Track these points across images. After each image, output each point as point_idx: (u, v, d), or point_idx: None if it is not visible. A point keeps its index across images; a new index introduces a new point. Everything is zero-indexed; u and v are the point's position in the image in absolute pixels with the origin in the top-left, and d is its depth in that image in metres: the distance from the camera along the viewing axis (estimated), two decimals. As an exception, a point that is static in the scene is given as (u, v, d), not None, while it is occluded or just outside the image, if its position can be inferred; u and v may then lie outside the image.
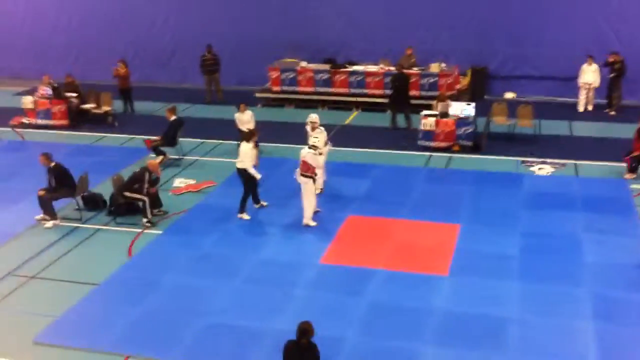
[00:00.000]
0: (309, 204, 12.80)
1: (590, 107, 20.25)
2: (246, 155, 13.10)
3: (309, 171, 12.53)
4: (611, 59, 19.51)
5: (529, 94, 21.73)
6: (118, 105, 20.91)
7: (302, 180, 12.64)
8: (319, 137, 13.20)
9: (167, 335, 9.62)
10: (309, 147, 12.65)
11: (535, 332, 9.45)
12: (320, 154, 13.00)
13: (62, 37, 25.83)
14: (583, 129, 18.75)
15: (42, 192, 13.27)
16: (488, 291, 10.51)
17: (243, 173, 13.22)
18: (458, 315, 9.91)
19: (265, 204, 13.82)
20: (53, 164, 13.34)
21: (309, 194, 12.71)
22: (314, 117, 14.17)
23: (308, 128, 14.27)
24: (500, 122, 18.03)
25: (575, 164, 15.93)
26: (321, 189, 14.05)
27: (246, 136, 13.55)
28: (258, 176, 13.22)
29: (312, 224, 12.89)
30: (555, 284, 10.69)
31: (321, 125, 14.17)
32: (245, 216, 13.32)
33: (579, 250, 11.76)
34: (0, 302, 10.68)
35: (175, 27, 24.65)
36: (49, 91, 19.78)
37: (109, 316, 10.14)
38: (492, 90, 22.18)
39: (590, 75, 19.79)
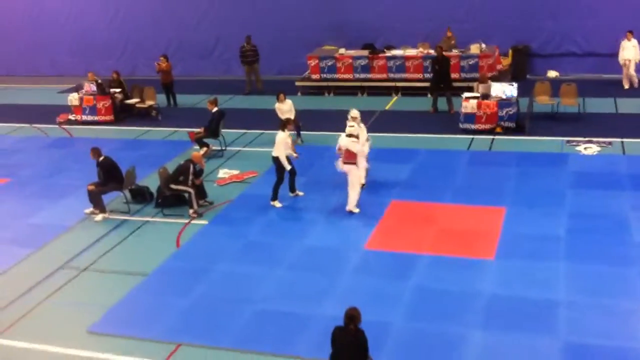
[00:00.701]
0: (354, 190, 12.84)
1: (635, 84, 19.80)
2: (279, 144, 13.23)
3: (352, 158, 12.58)
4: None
5: (572, 72, 21.34)
6: (161, 99, 21.21)
7: (346, 167, 12.69)
8: (357, 130, 12.76)
9: (216, 322, 9.79)
10: (347, 136, 12.64)
11: (585, 314, 9.34)
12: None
13: (106, 34, 26.31)
14: (629, 106, 18.36)
15: (91, 187, 13.59)
16: (535, 274, 10.41)
17: (276, 161, 13.36)
18: (505, 298, 9.85)
19: (300, 193, 13.88)
20: (102, 157, 13.65)
21: (355, 180, 12.76)
22: (355, 113, 13.67)
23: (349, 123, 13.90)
24: (543, 101, 17.75)
25: (622, 142, 15.62)
26: (363, 183, 13.85)
27: (280, 125, 13.66)
28: (288, 167, 13.28)
29: (356, 210, 12.93)
30: (604, 264, 10.53)
31: (362, 111, 14.13)
32: (277, 204, 13.45)
33: (628, 229, 11.55)
34: (54, 294, 11.01)
35: (216, 20, 24.88)
36: (94, 88, 20.17)
37: (159, 305, 10.36)
38: (534, 70, 21.86)
39: (630, 50, 19.34)
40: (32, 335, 9.89)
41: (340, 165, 12.83)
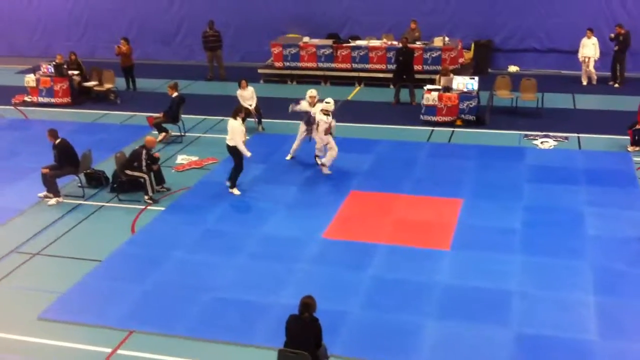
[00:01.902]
0: (334, 151, 13.87)
1: (594, 81, 20.14)
2: (235, 133, 13.09)
3: (328, 132, 13.70)
4: (617, 32, 19.37)
5: (532, 68, 21.64)
6: (121, 83, 20.86)
7: (324, 139, 13.70)
8: (329, 104, 13.78)
9: (171, 310, 9.68)
10: (321, 111, 13.61)
11: (537, 305, 9.48)
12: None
13: (65, 15, 25.76)
14: (586, 102, 18.68)
15: (45, 170, 13.31)
16: (490, 265, 10.53)
17: (233, 150, 13.21)
18: (460, 289, 9.95)
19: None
20: (58, 140, 13.36)
21: (334, 144, 13.86)
22: (313, 92, 14.44)
23: (304, 103, 14.33)
24: (503, 95, 17.95)
25: (578, 137, 15.89)
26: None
27: (233, 113, 13.41)
28: (248, 154, 13.16)
29: (329, 171, 14.05)
30: (558, 257, 10.70)
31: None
32: (236, 191, 13.36)
33: (582, 223, 11.76)
34: (5, 278, 10.76)
35: (180, 3, 24.52)
36: (51, 69, 19.73)
37: (113, 292, 10.20)
38: (496, 64, 22.10)
39: (589, 48, 19.68)
40: (-20, 320, 9.65)
41: (318, 136, 13.78)
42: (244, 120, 16.81)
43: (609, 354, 8.51)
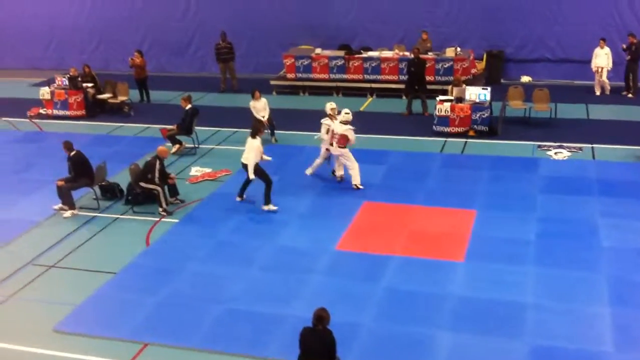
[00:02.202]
0: (355, 167, 13.81)
1: (607, 91, 20.07)
2: (251, 151, 13.02)
3: (345, 143, 13.65)
4: (630, 41, 19.33)
5: (545, 78, 21.59)
6: (134, 95, 21.02)
7: (341, 150, 13.72)
8: (350, 117, 13.85)
9: (185, 322, 9.72)
10: (341, 122, 13.66)
11: (552, 318, 9.43)
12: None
13: (80, 28, 25.96)
14: (600, 112, 18.61)
15: (60, 182, 13.41)
16: (504, 277, 10.50)
17: (245, 168, 13.11)
18: (474, 300, 9.92)
19: (242, 198, 13.61)
20: (73, 152, 13.47)
21: (352, 158, 13.81)
22: (333, 104, 14.36)
23: (325, 121, 14.28)
24: (516, 106, 17.92)
25: (592, 148, 15.83)
26: (341, 175, 14.36)
27: (252, 132, 13.29)
28: (252, 177, 13.01)
29: (361, 186, 13.86)
30: (572, 269, 10.65)
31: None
32: (272, 207, 13.15)
33: (596, 235, 11.70)
34: (21, 291, 10.84)
35: (193, 17, 24.70)
36: (66, 82, 19.91)
37: (127, 304, 10.26)
38: (508, 75, 22.07)
39: (602, 58, 19.63)
40: (-3, 332, 9.73)
41: (334, 149, 13.74)
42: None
43: (624, 367, 8.46)
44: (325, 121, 14.27)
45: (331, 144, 13.82)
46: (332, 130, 13.77)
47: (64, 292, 10.75)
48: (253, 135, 13.23)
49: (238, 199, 13.56)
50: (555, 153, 15.57)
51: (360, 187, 13.86)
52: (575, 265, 10.73)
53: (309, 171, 14.67)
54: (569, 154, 15.52)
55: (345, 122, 13.73)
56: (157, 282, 10.81)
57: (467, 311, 9.68)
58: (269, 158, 13.47)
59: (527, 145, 16.15)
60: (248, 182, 13.35)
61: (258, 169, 13.09)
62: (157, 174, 13.10)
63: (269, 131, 16.94)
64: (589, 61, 20.06)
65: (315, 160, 14.58)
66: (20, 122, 19.78)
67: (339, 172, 14.33)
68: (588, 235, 11.70)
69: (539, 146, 16.02)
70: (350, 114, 13.91)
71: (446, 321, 9.46)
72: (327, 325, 7.53)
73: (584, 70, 20.78)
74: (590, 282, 10.29)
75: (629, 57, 19.46)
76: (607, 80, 19.93)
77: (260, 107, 16.76)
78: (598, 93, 20.10)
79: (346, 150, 13.78)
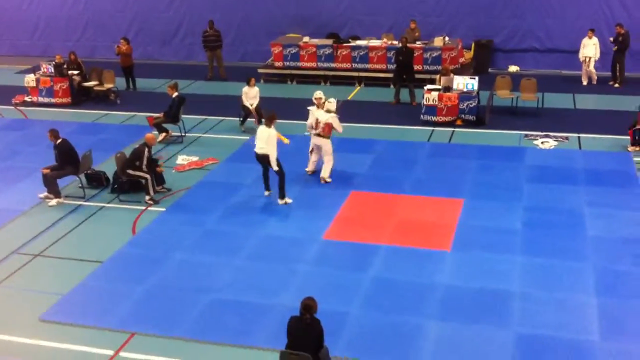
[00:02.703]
0: (330, 160, 13.67)
1: (594, 81, 20.14)
2: (270, 141, 12.55)
3: (328, 133, 13.49)
4: (617, 31, 19.40)
5: (532, 68, 21.65)
6: (120, 82, 20.86)
7: (322, 141, 13.55)
8: (334, 106, 13.74)
9: (172, 311, 9.68)
10: (326, 111, 13.50)
11: (538, 306, 9.48)
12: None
13: (66, 15, 25.78)
14: (587, 102, 18.69)
15: (46, 170, 13.31)
16: (490, 266, 10.53)
17: (265, 159, 12.77)
18: (460, 289, 9.95)
19: (270, 191, 13.37)
20: (60, 140, 13.36)
21: (330, 151, 13.63)
22: (318, 93, 13.95)
23: (312, 109, 14.07)
24: (503, 95, 17.95)
25: (578, 137, 15.90)
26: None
27: (268, 120, 12.77)
28: (276, 168, 12.63)
29: (329, 180, 13.69)
30: (558, 258, 10.70)
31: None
32: (289, 200, 12.92)
33: (582, 224, 11.76)
34: (6, 280, 10.75)
35: (180, 4, 24.53)
36: (51, 69, 19.72)
37: (114, 293, 10.20)
38: (496, 64, 22.12)
39: (590, 48, 19.69)
40: (-19, 322, 9.65)
41: (315, 139, 13.62)
42: (244, 121, 16.92)
43: (610, 355, 8.50)
44: (312, 109, 14.14)
45: (317, 135, 13.66)
46: (317, 119, 13.58)
47: (49, 281, 10.68)
48: (268, 124, 12.75)
49: (267, 193, 13.26)
50: (542, 142, 15.62)
51: (328, 180, 13.65)
52: (562, 255, 10.79)
53: (309, 169, 14.21)
54: (556, 143, 15.58)
55: (328, 111, 13.56)
56: (144, 271, 10.76)
57: (454, 300, 9.70)
58: (287, 140, 13.47)
59: (514, 135, 16.20)
60: (268, 172, 13.12)
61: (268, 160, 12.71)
62: (145, 162, 13.02)
63: (256, 120, 16.90)
64: (576, 51, 20.13)
65: (310, 156, 14.21)
66: (5, 110, 19.60)
67: (311, 168, 14.12)
68: (574, 224, 11.76)
69: (526, 135, 16.07)
70: (334, 102, 13.74)
71: (433, 310, 9.48)
72: (314, 314, 7.53)
73: (572, 60, 20.86)
74: (577, 271, 10.34)
75: (616, 47, 19.52)
76: (594, 70, 20.01)
77: (252, 95, 16.75)
78: (585, 83, 20.18)
79: (328, 141, 13.57)
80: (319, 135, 13.59)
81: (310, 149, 14.10)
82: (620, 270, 10.34)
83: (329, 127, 13.52)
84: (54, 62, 19.86)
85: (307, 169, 14.22)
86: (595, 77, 20.10)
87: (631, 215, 11.99)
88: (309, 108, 14.14)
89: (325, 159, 13.71)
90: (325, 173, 13.72)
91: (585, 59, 19.89)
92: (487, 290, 9.91)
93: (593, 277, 10.14)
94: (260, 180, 13.33)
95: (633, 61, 20.47)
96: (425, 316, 9.36)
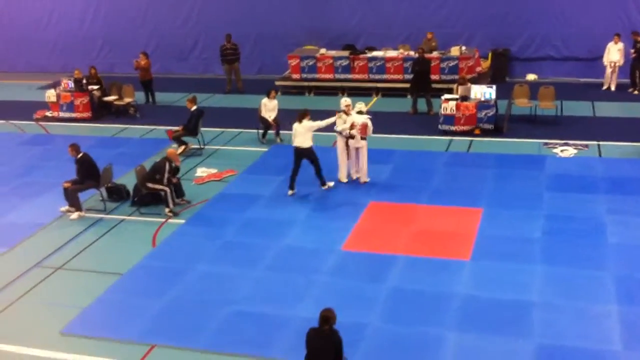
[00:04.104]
0: (365, 161, 14.04)
1: (613, 87, 20.01)
2: (305, 134, 13.49)
3: (367, 133, 13.79)
4: (633, 39, 19.28)
5: (550, 76, 21.55)
6: (140, 97, 21.06)
7: (362, 143, 13.84)
8: (362, 104, 14.31)
9: (192, 324, 9.73)
10: (358, 113, 13.92)
11: (559, 316, 9.40)
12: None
13: (86, 31, 26.09)
14: (606, 109, 18.56)
15: (67, 184, 13.46)
16: (510, 275, 10.47)
17: (308, 152, 13.57)
18: (480, 300, 9.89)
19: (326, 184, 14.05)
20: (81, 154, 13.51)
21: (366, 153, 14.00)
22: (346, 101, 14.19)
23: (342, 115, 14.09)
24: (521, 104, 17.87)
25: (598, 145, 15.78)
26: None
27: (300, 116, 13.62)
28: (324, 124, 13.68)
29: (368, 179, 14.21)
30: (579, 267, 10.62)
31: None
32: (330, 183, 13.93)
33: (603, 232, 11.66)
34: (28, 293, 10.87)
35: (197, 17, 24.77)
36: (71, 84, 19.97)
37: (134, 306, 10.27)
38: (513, 73, 22.03)
39: (615, 53, 19.56)
40: (5, 336, 9.74)
41: (357, 141, 13.77)
42: (265, 133, 17.00)
43: (632, 365, 8.42)
44: (342, 115, 14.07)
45: (350, 137, 13.80)
46: (353, 123, 13.73)
47: (71, 294, 10.77)
48: (301, 119, 13.55)
49: (290, 192, 13.79)
50: (562, 151, 15.52)
51: (367, 180, 14.13)
52: (582, 263, 10.70)
53: (343, 179, 14.31)
54: (575, 151, 15.48)
55: (360, 112, 13.93)
56: (164, 283, 10.83)
57: (474, 310, 9.65)
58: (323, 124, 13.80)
59: (533, 143, 16.11)
60: (298, 171, 13.75)
61: (312, 151, 13.59)
62: (166, 175, 13.13)
63: (275, 131, 16.98)
64: (594, 59, 20.06)
65: (339, 164, 14.28)
66: (26, 125, 19.86)
67: (346, 177, 14.28)
68: (595, 232, 11.66)
69: (545, 144, 15.98)
70: (363, 104, 14.28)
71: (452, 321, 9.44)
72: (333, 325, 7.52)
73: (590, 68, 20.77)
74: (597, 280, 10.25)
75: (634, 55, 19.38)
76: (615, 77, 19.85)
77: (271, 107, 16.85)
78: (605, 87, 20.03)
79: (366, 143, 13.92)
80: (352, 137, 13.79)
81: (341, 159, 14.19)
82: (642, 278, 10.23)
83: (365, 127, 13.76)
84: (73, 77, 20.11)
85: (343, 180, 14.27)
86: (615, 83, 19.94)
87: (653, 223, 11.87)
88: (338, 113, 14.13)
89: (363, 160, 14.02)
90: (365, 176, 14.15)
91: (610, 64, 19.77)
92: (507, 300, 9.84)
93: (614, 286, 10.04)
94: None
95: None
96: (445, 327, 9.31)
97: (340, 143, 14.17)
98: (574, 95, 19.57)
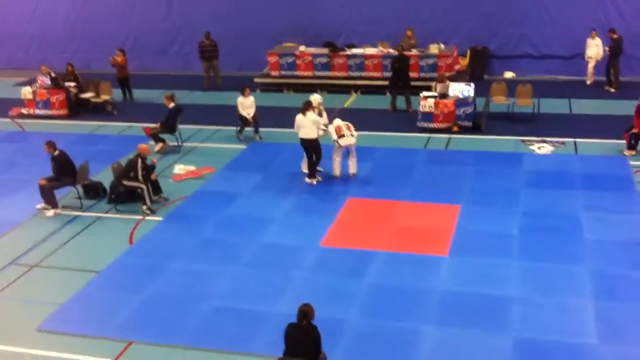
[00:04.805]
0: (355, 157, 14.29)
1: (589, 81, 20.22)
2: (314, 125, 13.60)
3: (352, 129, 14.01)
4: (610, 37, 19.50)
5: (528, 74, 21.67)
6: (117, 94, 20.89)
7: (353, 140, 13.96)
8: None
9: (170, 320, 9.68)
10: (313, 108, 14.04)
11: (536, 311, 9.48)
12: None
13: (62, 27, 25.80)
14: (582, 106, 18.72)
15: (43, 181, 13.31)
16: (488, 271, 10.54)
17: (314, 143, 13.65)
18: (458, 295, 9.95)
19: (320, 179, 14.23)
20: (57, 152, 13.37)
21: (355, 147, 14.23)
22: (317, 97, 14.50)
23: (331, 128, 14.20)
24: (499, 101, 17.98)
25: (575, 142, 15.92)
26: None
27: (303, 109, 13.72)
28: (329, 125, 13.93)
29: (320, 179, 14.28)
30: (556, 262, 10.71)
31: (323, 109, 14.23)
32: (316, 181, 13.98)
33: (579, 228, 11.77)
34: (3, 290, 10.74)
35: (176, 15, 24.58)
36: (48, 81, 19.76)
37: (112, 303, 10.19)
38: (492, 70, 22.14)
39: (593, 49, 19.78)
40: (-21, 333, 9.63)
41: (349, 139, 13.85)
42: (242, 129, 16.96)
43: (608, 358, 8.51)
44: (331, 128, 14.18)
45: (341, 136, 13.81)
46: (338, 127, 13.85)
47: (47, 291, 10.66)
48: (304, 112, 13.63)
49: (318, 179, 14.02)
50: (539, 148, 15.65)
51: (320, 180, 14.13)
52: (559, 259, 10.80)
53: (338, 174, 14.32)
54: (552, 148, 15.61)
55: (321, 112, 14.30)
56: (142, 280, 10.75)
57: (452, 305, 9.71)
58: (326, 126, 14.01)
59: (510, 141, 16.23)
60: (319, 158, 13.93)
61: (317, 143, 13.70)
62: (140, 172, 13.03)
63: (254, 129, 16.93)
64: (572, 57, 20.22)
65: (334, 158, 14.26)
66: (1, 122, 19.60)
67: (352, 170, 14.33)
68: (571, 228, 11.77)
69: (523, 141, 16.09)
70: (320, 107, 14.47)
71: (431, 316, 9.48)
72: (312, 320, 7.53)
73: (567, 66, 20.95)
74: (574, 275, 10.35)
75: (609, 52, 19.61)
76: (592, 72, 20.08)
77: (248, 104, 16.79)
78: (589, 83, 20.27)
79: (355, 139, 14.06)
80: (351, 134, 13.94)
81: (335, 156, 14.20)
82: (617, 273, 10.35)
83: (348, 126, 13.98)
84: (49, 74, 19.90)
85: (337, 174, 14.28)
86: (592, 79, 20.15)
87: (628, 219, 12.00)
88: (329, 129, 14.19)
89: (353, 154, 14.16)
90: (355, 169, 14.27)
91: (589, 59, 20.00)
92: (484, 295, 9.91)
93: (590, 281, 10.15)
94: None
95: (629, 66, 20.53)
96: (423, 322, 9.35)
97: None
98: (551, 92, 19.71)
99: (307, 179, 14.05)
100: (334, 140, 13.89)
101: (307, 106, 13.76)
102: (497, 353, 8.66)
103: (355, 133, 14.00)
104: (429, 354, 8.73)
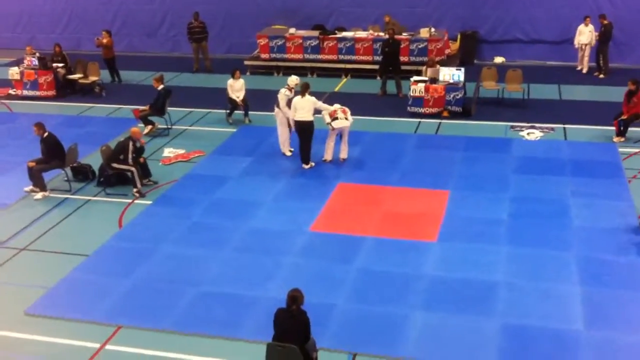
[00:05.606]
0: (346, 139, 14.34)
1: (585, 69, 20.23)
2: (312, 108, 13.56)
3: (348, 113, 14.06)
4: (600, 22, 19.49)
5: (518, 59, 21.68)
6: (105, 75, 20.73)
7: (347, 123, 13.95)
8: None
9: (159, 304, 9.67)
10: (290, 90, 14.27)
11: (523, 296, 9.55)
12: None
13: (50, 7, 25.50)
14: (572, 93, 18.76)
15: (31, 164, 13.22)
16: (476, 256, 10.59)
17: (307, 125, 13.61)
18: (446, 280, 10.00)
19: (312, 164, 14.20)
20: (46, 133, 13.27)
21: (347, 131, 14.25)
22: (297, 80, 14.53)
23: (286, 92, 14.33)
24: (489, 87, 17.99)
25: (564, 128, 15.97)
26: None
27: (303, 90, 13.68)
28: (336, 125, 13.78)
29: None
30: (544, 248, 10.78)
31: (311, 92, 14.09)
32: (312, 164, 14.00)
33: (567, 214, 11.84)
34: (-8, 274, 10.71)
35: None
36: (35, 62, 19.58)
37: (100, 287, 10.18)
38: (482, 55, 22.12)
39: (585, 35, 19.75)
40: (-33, 316, 9.60)
41: (342, 122, 13.80)
42: (231, 113, 16.89)
43: (594, 344, 8.60)
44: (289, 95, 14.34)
45: (335, 119, 13.80)
46: (334, 111, 13.88)
47: (35, 275, 10.63)
48: (303, 94, 13.62)
49: (311, 164, 14.00)
50: (528, 133, 15.69)
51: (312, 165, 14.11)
52: (547, 245, 10.86)
53: (328, 157, 14.38)
54: (541, 134, 15.66)
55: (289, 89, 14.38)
56: (130, 264, 10.74)
57: (440, 291, 9.76)
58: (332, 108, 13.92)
59: (500, 126, 16.26)
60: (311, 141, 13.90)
61: (312, 126, 13.73)
62: (130, 155, 12.96)
63: (243, 112, 16.86)
64: (562, 42, 20.19)
65: (327, 142, 14.34)
66: (-12, 103, 19.44)
67: (343, 155, 14.36)
68: (559, 214, 11.84)
69: (512, 127, 16.13)
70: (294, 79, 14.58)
71: (419, 301, 9.53)
72: (301, 305, 7.55)
73: (557, 51, 20.95)
74: (562, 261, 10.42)
75: (598, 38, 19.61)
76: (587, 59, 20.08)
77: (238, 87, 16.71)
78: (580, 69, 20.26)
79: (349, 123, 14.07)
80: (338, 119, 13.88)
81: (329, 140, 14.27)
82: (604, 259, 10.43)
83: (344, 110, 14.02)
84: (36, 55, 19.71)
85: (328, 158, 14.36)
86: (587, 66, 20.16)
87: (616, 206, 12.07)
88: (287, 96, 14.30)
89: (345, 138, 14.19)
90: (346, 153, 14.32)
91: (581, 46, 19.97)
92: (472, 280, 9.97)
93: (577, 267, 10.22)
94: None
95: (618, 52, 20.57)
96: (411, 307, 9.40)
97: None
98: (541, 78, 19.75)
99: (303, 165, 13.98)
100: (327, 123, 13.85)
101: (305, 88, 13.71)
102: (485, 338, 8.73)
103: (350, 118, 13.96)
104: (417, 338, 8.79)
